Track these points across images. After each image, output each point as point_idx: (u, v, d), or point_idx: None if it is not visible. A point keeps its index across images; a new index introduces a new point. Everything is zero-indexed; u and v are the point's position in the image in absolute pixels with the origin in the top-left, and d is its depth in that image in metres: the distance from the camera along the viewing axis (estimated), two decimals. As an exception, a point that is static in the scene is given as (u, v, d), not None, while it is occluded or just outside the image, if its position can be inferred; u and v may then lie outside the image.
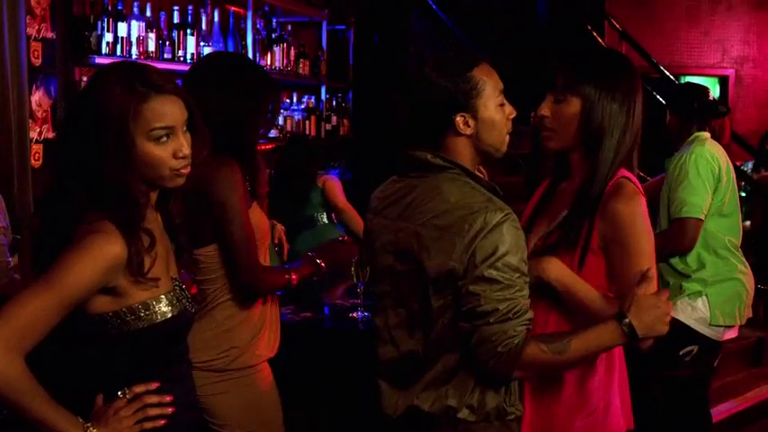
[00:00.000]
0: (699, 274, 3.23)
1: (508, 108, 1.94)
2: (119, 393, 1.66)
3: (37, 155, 3.87)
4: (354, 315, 3.17)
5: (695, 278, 3.23)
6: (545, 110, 2.05)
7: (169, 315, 1.69)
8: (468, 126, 1.89)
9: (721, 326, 3.22)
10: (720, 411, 4.40)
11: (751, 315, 3.39)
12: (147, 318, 1.66)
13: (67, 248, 1.60)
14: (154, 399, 1.68)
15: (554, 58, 2.12)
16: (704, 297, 3.20)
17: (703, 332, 3.21)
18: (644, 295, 1.82)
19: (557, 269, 1.96)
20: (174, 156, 1.67)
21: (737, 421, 4.54)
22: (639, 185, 2.04)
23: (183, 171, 1.70)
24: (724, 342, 3.31)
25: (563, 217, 2.04)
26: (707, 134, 3.42)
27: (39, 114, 3.91)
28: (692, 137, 3.39)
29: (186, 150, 1.69)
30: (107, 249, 1.60)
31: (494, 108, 1.90)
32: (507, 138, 1.97)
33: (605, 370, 2.04)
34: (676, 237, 3.19)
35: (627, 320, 1.80)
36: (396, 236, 1.92)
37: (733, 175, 3.36)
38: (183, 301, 1.76)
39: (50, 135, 3.90)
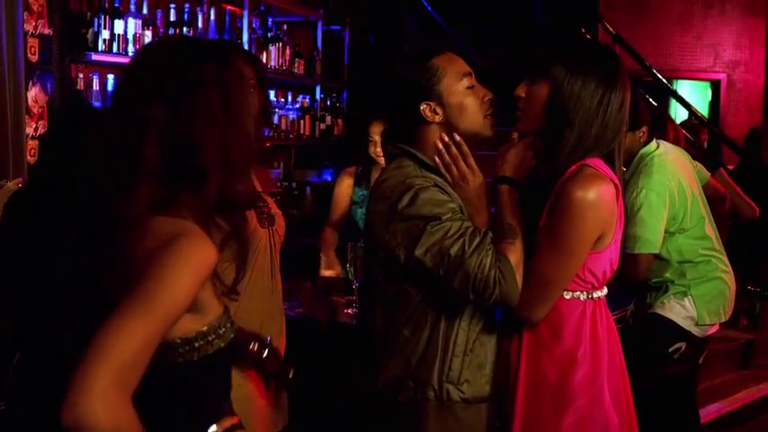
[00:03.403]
0: (681, 280, 3.24)
1: (482, 91, 1.98)
2: (209, 431, 1.44)
3: (32, 150, 3.87)
4: (350, 311, 3.19)
5: (678, 283, 3.25)
6: (521, 91, 1.97)
7: (232, 334, 1.48)
8: (437, 113, 1.94)
9: (707, 324, 3.25)
10: (710, 412, 4.44)
11: (731, 312, 3.40)
12: (216, 343, 1.44)
13: (157, 257, 1.31)
14: None
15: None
16: (690, 297, 3.21)
17: (691, 330, 3.24)
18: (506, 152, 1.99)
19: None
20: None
21: (726, 422, 4.58)
22: (607, 171, 1.91)
23: None
24: (710, 342, 3.35)
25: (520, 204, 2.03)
26: (656, 149, 3.25)
27: (35, 110, 3.91)
28: (638, 156, 3.24)
29: None
30: (205, 255, 1.34)
31: (460, 92, 1.95)
32: (488, 119, 1.99)
33: (590, 367, 1.97)
34: (629, 270, 3.13)
35: (500, 177, 1.96)
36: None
37: (689, 186, 3.24)
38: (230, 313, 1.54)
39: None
